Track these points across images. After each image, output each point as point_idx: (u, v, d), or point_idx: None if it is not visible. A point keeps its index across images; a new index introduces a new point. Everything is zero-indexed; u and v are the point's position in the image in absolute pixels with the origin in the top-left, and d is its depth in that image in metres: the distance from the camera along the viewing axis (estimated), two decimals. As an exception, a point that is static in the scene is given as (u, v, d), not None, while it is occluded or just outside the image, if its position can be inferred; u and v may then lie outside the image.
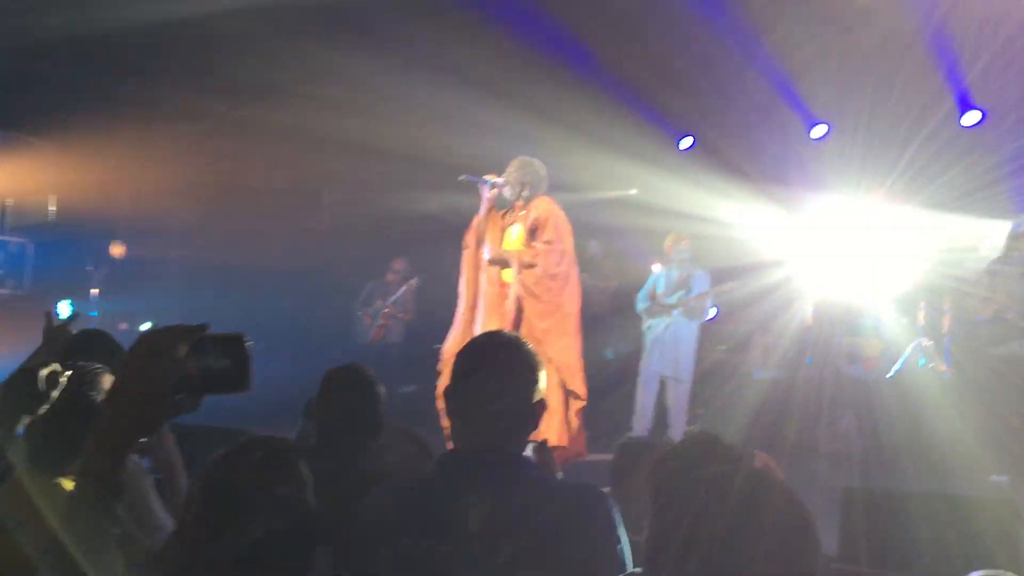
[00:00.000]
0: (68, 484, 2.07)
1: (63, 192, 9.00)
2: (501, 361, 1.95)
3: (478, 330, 5.59)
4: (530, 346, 2.02)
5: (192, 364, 1.33)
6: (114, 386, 1.32)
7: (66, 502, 1.33)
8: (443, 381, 5.68)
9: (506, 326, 5.45)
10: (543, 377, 1.99)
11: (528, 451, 2.15)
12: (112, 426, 1.30)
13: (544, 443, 2.37)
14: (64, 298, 9.14)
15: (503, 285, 5.72)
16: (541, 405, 1.97)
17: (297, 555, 1.73)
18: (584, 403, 5.72)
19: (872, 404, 7.57)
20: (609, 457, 5.55)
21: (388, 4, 8.72)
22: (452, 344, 5.78)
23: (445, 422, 5.43)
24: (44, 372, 2.26)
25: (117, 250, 9.49)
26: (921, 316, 7.99)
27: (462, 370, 1.98)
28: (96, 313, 9.01)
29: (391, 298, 9.46)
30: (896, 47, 8.04)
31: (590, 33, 9.62)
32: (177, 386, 1.31)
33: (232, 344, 1.38)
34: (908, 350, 7.89)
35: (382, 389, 2.98)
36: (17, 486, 2.10)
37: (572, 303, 5.68)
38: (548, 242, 5.61)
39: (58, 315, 8.87)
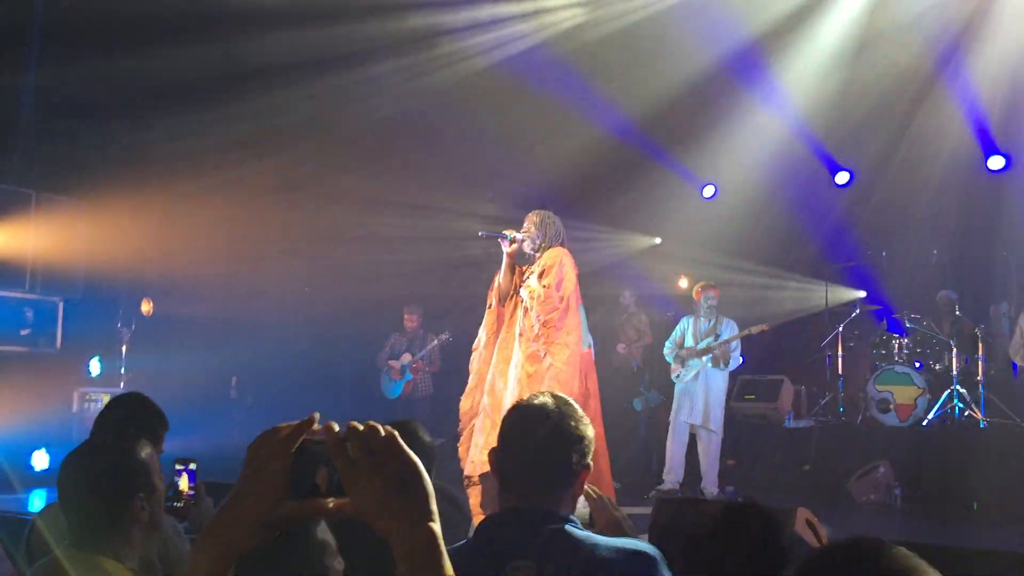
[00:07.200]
0: (108, 564, 2.03)
1: (93, 251, 9.08)
2: (547, 424, 1.92)
3: (491, 385, 5.55)
4: (578, 409, 1.99)
5: (300, 468, 1.17)
6: (229, 496, 1.17)
7: None
8: (463, 441, 5.61)
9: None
10: (589, 440, 1.95)
11: (581, 505, 2.09)
12: (218, 540, 1.15)
13: (596, 491, 2.30)
14: (94, 356, 9.21)
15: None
16: (586, 467, 1.94)
17: None
18: None
19: (908, 453, 7.42)
20: (638, 510, 5.49)
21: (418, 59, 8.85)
22: (470, 403, 5.69)
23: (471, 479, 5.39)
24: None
25: (146, 307, 9.55)
26: (955, 363, 7.85)
27: (508, 433, 1.95)
28: (125, 371, 9.05)
29: (420, 353, 9.26)
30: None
31: (607, 82, 9.71)
32: (285, 493, 1.16)
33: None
34: (943, 397, 7.75)
35: (434, 450, 2.88)
36: (56, 564, 2.07)
37: (559, 354, 5.41)
38: (546, 287, 5.46)
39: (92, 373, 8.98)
